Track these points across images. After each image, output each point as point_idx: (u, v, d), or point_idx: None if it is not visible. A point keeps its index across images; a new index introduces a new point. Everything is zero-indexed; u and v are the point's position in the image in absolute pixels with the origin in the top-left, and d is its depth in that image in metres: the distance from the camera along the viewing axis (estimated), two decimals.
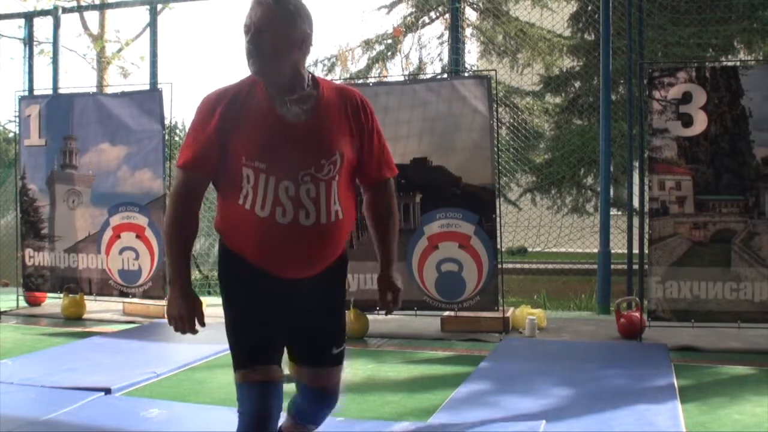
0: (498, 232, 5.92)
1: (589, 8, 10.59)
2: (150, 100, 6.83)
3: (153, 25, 8.33)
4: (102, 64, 13.67)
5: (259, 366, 2.21)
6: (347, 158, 2.24)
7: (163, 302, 6.71)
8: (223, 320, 2.27)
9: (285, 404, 2.35)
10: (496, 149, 6.09)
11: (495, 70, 7.31)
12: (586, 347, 5.42)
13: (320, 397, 2.41)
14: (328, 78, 6.83)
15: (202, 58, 33.18)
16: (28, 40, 8.78)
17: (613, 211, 7.63)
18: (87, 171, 7.02)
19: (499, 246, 5.97)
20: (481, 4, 12.20)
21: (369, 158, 2.33)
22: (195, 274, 9.23)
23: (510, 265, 8.70)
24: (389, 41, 12.95)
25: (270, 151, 2.15)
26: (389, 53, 12.93)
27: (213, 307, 5.30)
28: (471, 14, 12.23)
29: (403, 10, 13.27)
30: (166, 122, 6.88)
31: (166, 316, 2.21)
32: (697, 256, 5.35)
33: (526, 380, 4.36)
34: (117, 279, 6.90)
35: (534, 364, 4.82)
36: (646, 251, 5.57)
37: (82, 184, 7.05)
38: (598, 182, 8.88)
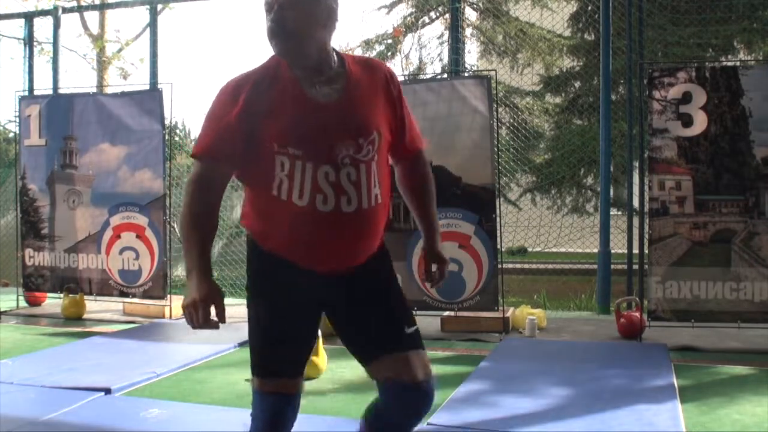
0: (498, 232, 5.92)
1: (589, 8, 10.59)
2: (150, 100, 6.83)
3: (153, 25, 8.33)
4: (102, 64, 13.67)
5: (277, 379, 2.14)
6: (384, 136, 2.12)
7: (163, 302, 6.73)
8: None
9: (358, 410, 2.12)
10: (496, 149, 6.09)
11: (495, 70, 7.30)
12: (586, 347, 5.42)
13: (413, 394, 2.12)
14: None
15: (202, 58, 33.20)
16: (28, 40, 8.77)
17: (613, 211, 7.62)
18: (87, 171, 7.02)
19: (499, 246, 5.97)
20: (481, 4, 12.19)
21: (402, 130, 2.21)
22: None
23: (510, 265, 8.69)
24: (389, 41, 12.94)
25: (305, 136, 2.01)
26: (389, 53, 12.91)
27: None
28: (471, 14, 12.24)
29: (403, 10, 13.29)
30: (167, 122, 6.88)
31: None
32: (697, 256, 5.35)
33: (526, 380, 4.35)
34: (117, 279, 6.90)
35: (534, 364, 4.81)
36: (646, 251, 5.57)
37: (82, 184, 7.05)
38: (598, 182, 8.87)
